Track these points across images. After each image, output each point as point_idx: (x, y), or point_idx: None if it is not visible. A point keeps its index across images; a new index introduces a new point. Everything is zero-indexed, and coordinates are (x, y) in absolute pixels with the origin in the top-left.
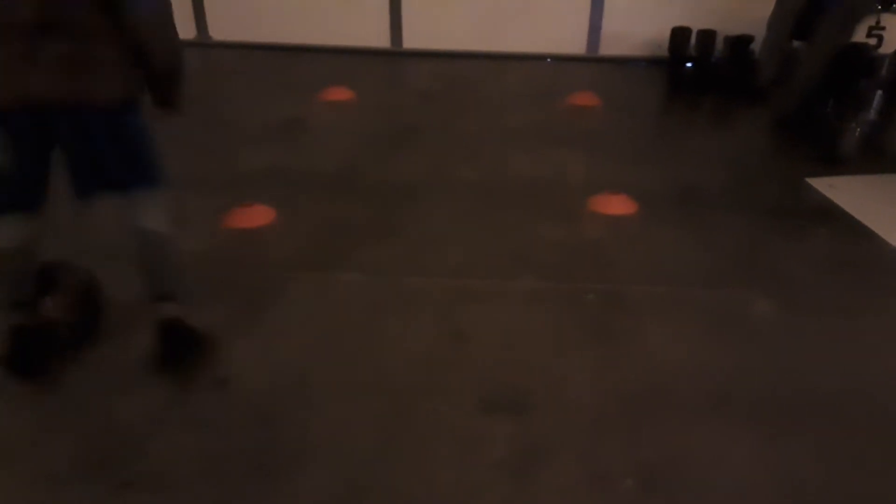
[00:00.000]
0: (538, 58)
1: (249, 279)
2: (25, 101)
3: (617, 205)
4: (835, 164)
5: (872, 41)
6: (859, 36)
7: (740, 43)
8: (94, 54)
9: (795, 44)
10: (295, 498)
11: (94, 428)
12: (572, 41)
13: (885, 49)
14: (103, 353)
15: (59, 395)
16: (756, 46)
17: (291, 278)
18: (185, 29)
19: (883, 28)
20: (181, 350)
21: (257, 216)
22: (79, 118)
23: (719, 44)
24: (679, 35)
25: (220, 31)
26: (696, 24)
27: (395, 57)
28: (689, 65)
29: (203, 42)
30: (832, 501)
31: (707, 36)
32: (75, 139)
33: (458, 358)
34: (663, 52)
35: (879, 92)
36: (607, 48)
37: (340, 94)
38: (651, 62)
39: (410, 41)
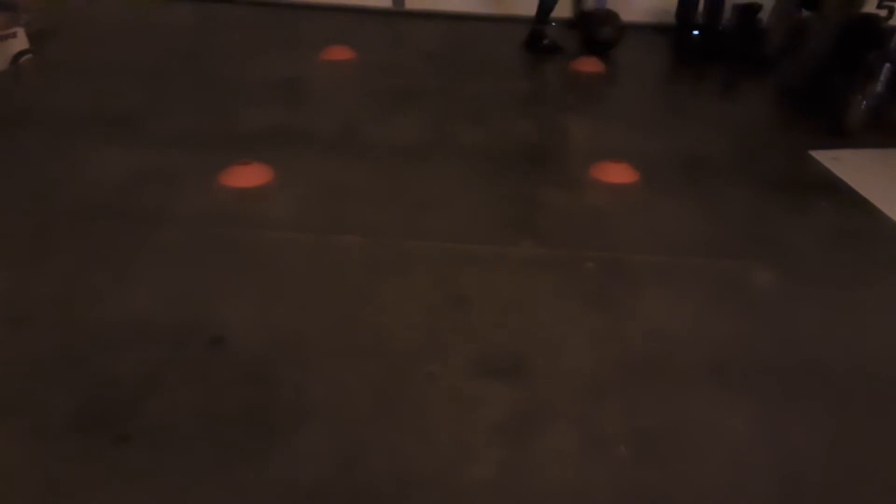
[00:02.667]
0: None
1: (246, 238)
2: None
3: (619, 173)
4: (840, 136)
5: (883, 13)
6: (870, 7)
7: (749, 11)
8: None
9: (804, 13)
10: (293, 456)
11: (91, 384)
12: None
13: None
14: (101, 314)
15: (55, 351)
16: (764, 15)
17: (289, 238)
18: None
19: (894, 0)
20: None
21: (255, 175)
22: None
23: (727, 12)
24: (687, 2)
25: None
26: None
27: (398, 17)
28: (696, 32)
29: None
30: (828, 472)
31: (715, 4)
32: None
33: (456, 322)
34: (670, 18)
35: (888, 65)
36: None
37: (341, 53)
38: (658, 29)
39: (413, 1)
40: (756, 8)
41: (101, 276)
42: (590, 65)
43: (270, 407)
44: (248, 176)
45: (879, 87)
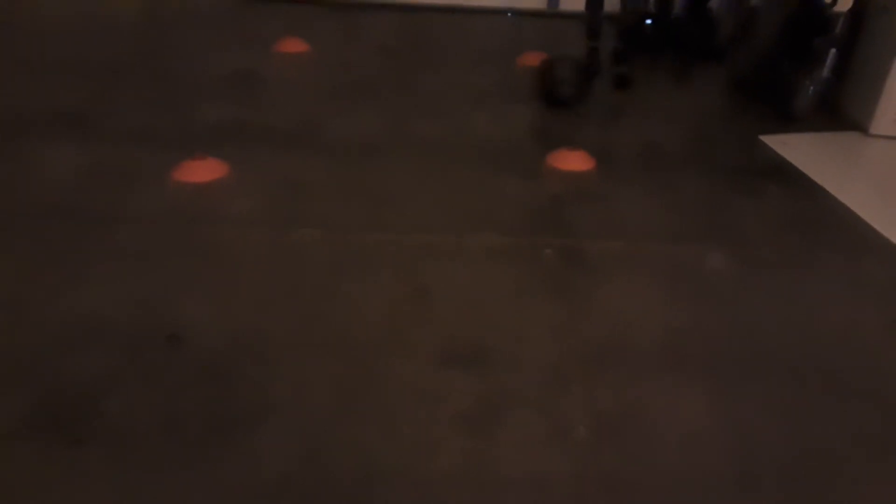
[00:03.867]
0: (498, 12)
1: (203, 235)
2: None
3: (575, 161)
4: (789, 121)
5: None
6: None
7: (699, 0)
8: None
9: (754, 1)
10: (255, 455)
11: (46, 385)
12: None
13: (840, 7)
14: (56, 309)
15: (9, 352)
16: (714, 4)
17: (246, 234)
18: None
19: None
20: None
21: (209, 170)
22: None
23: (678, 1)
24: None
25: None
26: None
27: (352, 9)
28: (648, 21)
29: None
30: (782, 453)
31: None
32: None
33: (417, 314)
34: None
35: (834, 50)
36: (567, 3)
37: (295, 45)
38: (610, 18)
39: None
40: None
41: (54, 277)
42: (539, 59)
43: (231, 405)
44: (204, 171)
45: (826, 72)
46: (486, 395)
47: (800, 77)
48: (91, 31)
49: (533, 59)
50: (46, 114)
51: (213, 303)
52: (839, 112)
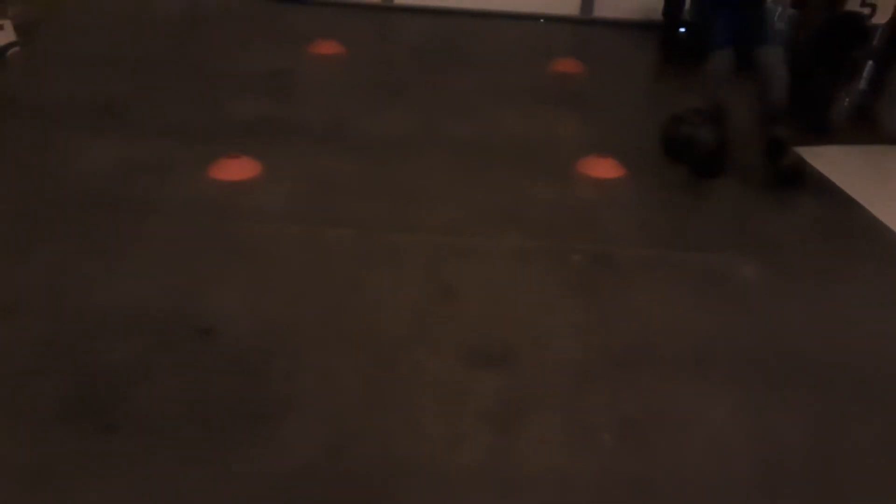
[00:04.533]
0: (532, 18)
1: (235, 230)
2: None
3: (605, 167)
4: (823, 133)
5: (866, 10)
6: (853, 5)
7: None
8: None
9: (789, 11)
10: (282, 444)
11: (80, 372)
12: (566, 2)
13: (878, 19)
14: (92, 298)
15: (44, 339)
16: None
17: (277, 231)
18: None
19: None
20: None
21: (243, 168)
22: None
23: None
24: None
25: None
26: None
27: (387, 12)
28: (682, 30)
29: None
30: (807, 461)
31: (702, 1)
32: None
33: (444, 312)
34: (657, 16)
35: (871, 62)
36: (601, 10)
37: (330, 47)
38: (644, 27)
39: None
40: None
41: (90, 266)
42: (572, 65)
43: (259, 395)
44: (238, 169)
45: (862, 84)
46: (510, 394)
47: (835, 89)
48: (133, 28)
49: (565, 65)
50: (86, 107)
51: (243, 296)
52: (876, 125)
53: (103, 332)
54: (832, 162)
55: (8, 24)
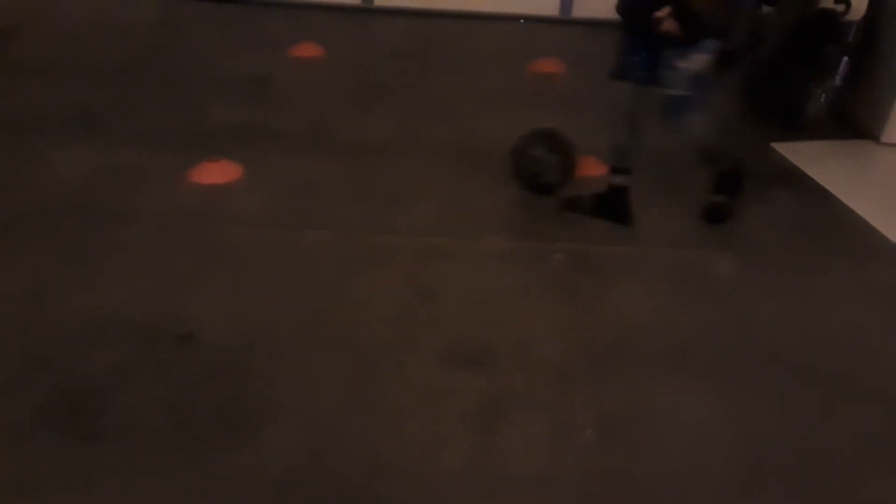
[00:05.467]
0: (511, 18)
1: (215, 235)
2: None
3: (587, 167)
4: (798, 129)
5: (840, 7)
6: (827, 2)
7: None
8: None
9: (765, 9)
10: (264, 449)
11: (60, 381)
12: (545, 3)
13: (853, 16)
14: (70, 306)
15: (23, 348)
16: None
17: (258, 235)
18: None
19: None
20: None
21: (224, 172)
22: None
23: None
24: None
25: None
26: None
27: (366, 14)
28: None
29: None
30: (787, 454)
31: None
32: None
33: (425, 314)
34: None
35: (845, 58)
36: (580, 10)
37: (309, 50)
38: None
39: None
40: None
41: (68, 274)
42: (555, 62)
43: (241, 401)
44: (218, 173)
45: (837, 80)
46: (492, 395)
47: (810, 85)
48: (108, 35)
49: (545, 65)
50: (63, 114)
51: (224, 301)
52: (851, 120)
53: (82, 340)
54: (808, 157)
55: None
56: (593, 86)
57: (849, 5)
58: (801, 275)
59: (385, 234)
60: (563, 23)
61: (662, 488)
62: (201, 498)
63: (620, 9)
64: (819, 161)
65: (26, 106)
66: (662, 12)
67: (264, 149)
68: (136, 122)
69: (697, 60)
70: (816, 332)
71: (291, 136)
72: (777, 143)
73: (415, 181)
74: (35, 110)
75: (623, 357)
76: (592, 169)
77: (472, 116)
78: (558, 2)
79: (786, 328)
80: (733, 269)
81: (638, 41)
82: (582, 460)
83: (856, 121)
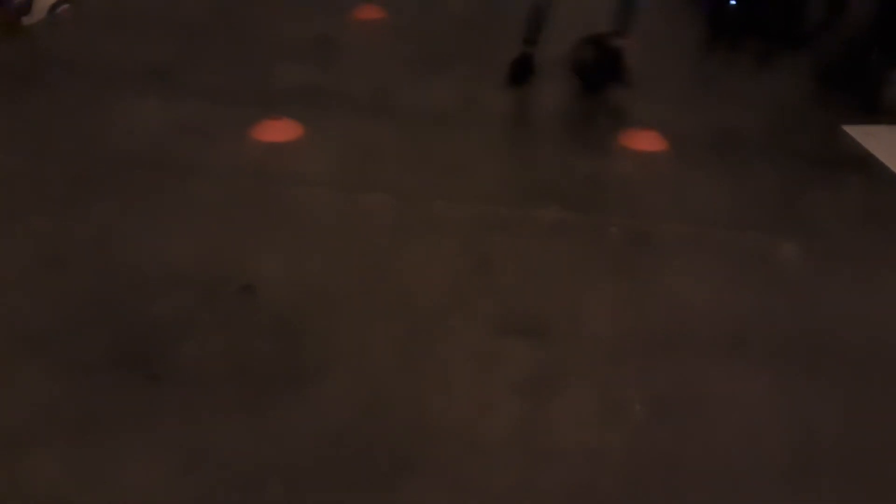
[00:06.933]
0: None
1: (277, 193)
2: None
3: (648, 141)
4: (875, 112)
5: None
6: None
7: None
8: None
9: None
10: (318, 404)
11: (125, 324)
12: None
13: None
14: (136, 255)
15: (92, 292)
16: None
17: (318, 194)
18: None
19: None
20: None
21: (285, 130)
22: None
23: None
24: None
25: None
26: None
27: None
28: (732, 3)
29: None
30: (842, 449)
31: None
32: None
33: (480, 283)
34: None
35: None
36: None
37: (373, 12)
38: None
39: None
40: None
41: (136, 224)
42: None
43: (297, 355)
44: (280, 131)
45: None
46: (542, 366)
47: (889, 68)
48: None
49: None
50: (132, 68)
51: (283, 257)
52: None
53: (147, 287)
54: (883, 142)
55: None
56: (659, 59)
57: None
58: (868, 264)
59: (442, 201)
60: None
61: (710, 471)
62: (256, 445)
63: None
64: (893, 146)
65: (100, 58)
66: None
67: (325, 110)
68: (204, 78)
69: None
70: (882, 324)
71: (352, 98)
72: (849, 125)
73: (474, 149)
74: (107, 63)
75: (678, 339)
76: (650, 143)
77: (535, 85)
78: None
79: (850, 319)
80: (797, 254)
81: None
82: (630, 437)
83: None
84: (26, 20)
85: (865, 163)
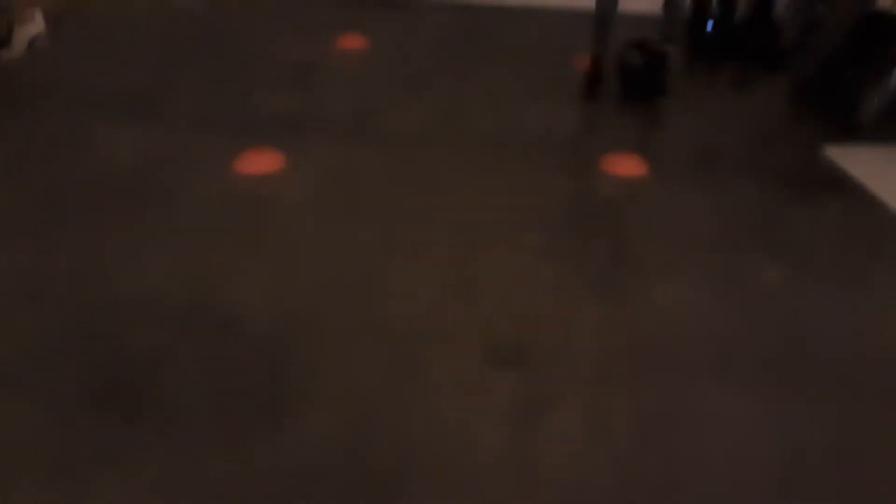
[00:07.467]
0: (555, 12)
1: (258, 220)
2: None
3: (629, 164)
4: (852, 132)
5: None
6: (884, 2)
7: (763, 4)
8: None
9: (819, 8)
10: (302, 438)
11: (103, 359)
12: None
13: None
14: (115, 285)
15: (69, 325)
16: (779, 9)
17: (300, 222)
18: None
19: None
20: None
21: (267, 160)
22: None
23: (741, 5)
24: None
25: None
26: None
27: (412, 5)
28: (709, 25)
29: None
30: (831, 466)
31: None
32: None
33: (464, 307)
34: (684, 11)
35: None
36: (626, 4)
37: (355, 41)
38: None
39: None
40: (770, 1)
41: (114, 254)
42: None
43: (279, 387)
44: (262, 161)
45: (893, 82)
46: (529, 391)
47: (866, 87)
48: (160, 21)
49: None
50: (113, 97)
51: (264, 287)
52: None
53: (126, 319)
54: (862, 162)
55: (38, 13)
56: None
57: None
58: (850, 284)
59: (426, 225)
60: None
61: (700, 493)
62: (239, 482)
63: None
64: (872, 166)
65: (80, 87)
66: None
67: (308, 137)
68: (186, 107)
69: None
70: (866, 342)
71: (335, 124)
72: (828, 145)
73: (456, 172)
74: (86, 92)
75: (663, 359)
76: (631, 166)
77: (515, 108)
78: None
79: (834, 338)
80: (780, 274)
81: None
82: (618, 462)
83: None
84: (5, 53)
85: (844, 183)
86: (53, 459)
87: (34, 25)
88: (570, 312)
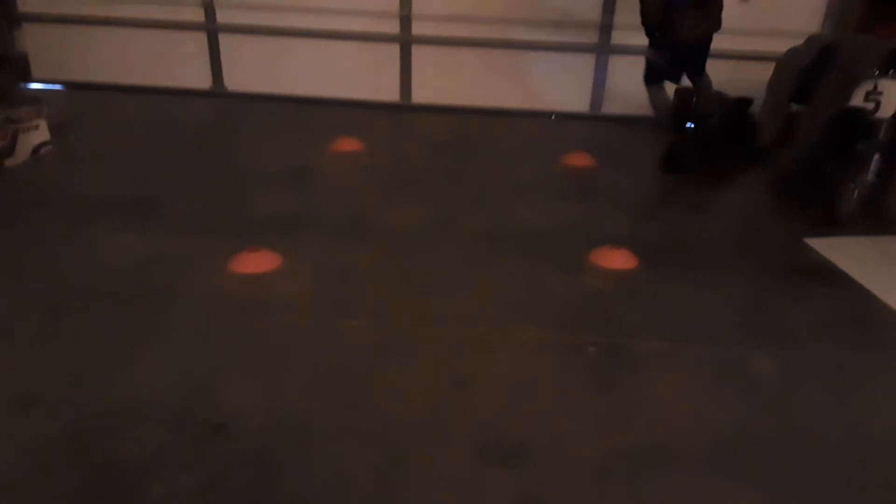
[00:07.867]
0: (543, 114)
1: (253, 322)
2: None
3: (618, 259)
4: (834, 224)
5: (870, 106)
6: (857, 100)
7: (740, 105)
8: None
9: (795, 107)
10: None
11: (93, 466)
12: (576, 99)
13: (883, 113)
14: (107, 395)
15: (61, 432)
16: (756, 109)
17: (294, 322)
18: (202, 79)
19: (880, 93)
20: None
21: (264, 261)
22: None
23: (718, 107)
24: (682, 96)
25: (235, 82)
26: None
27: (405, 111)
28: (689, 125)
29: (218, 92)
30: None
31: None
32: None
33: (458, 406)
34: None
35: (877, 155)
36: (610, 107)
37: (350, 144)
38: (651, 121)
39: (419, 96)
40: (747, 102)
41: (108, 358)
42: (587, 156)
43: (272, 491)
44: (258, 262)
45: (870, 176)
46: (525, 492)
47: (844, 181)
48: (161, 128)
49: (576, 159)
50: (112, 202)
51: (258, 388)
52: (885, 215)
53: (119, 425)
54: (844, 252)
55: (42, 123)
56: (624, 179)
57: (878, 105)
58: (842, 373)
59: (420, 323)
60: (593, 118)
61: None
62: None
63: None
64: (855, 256)
65: (81, 193)
66: None
67: (304, 238)
68: (183, 211)
69: None
70: (861, 432)
71: (330, 225)
72: (811, 238)
73: (450, 270)
74: (89, 198)
75: (661, 455)
76: (621, 261)
77: (506, 206)
78: (588, 98)
79: (830, 428)
80: (773, 365)
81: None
82: None
83: (890, 216)
84: (9, 162)
85: (830, 274)
86: None
87: (39, 134)
88: (566, 409)
